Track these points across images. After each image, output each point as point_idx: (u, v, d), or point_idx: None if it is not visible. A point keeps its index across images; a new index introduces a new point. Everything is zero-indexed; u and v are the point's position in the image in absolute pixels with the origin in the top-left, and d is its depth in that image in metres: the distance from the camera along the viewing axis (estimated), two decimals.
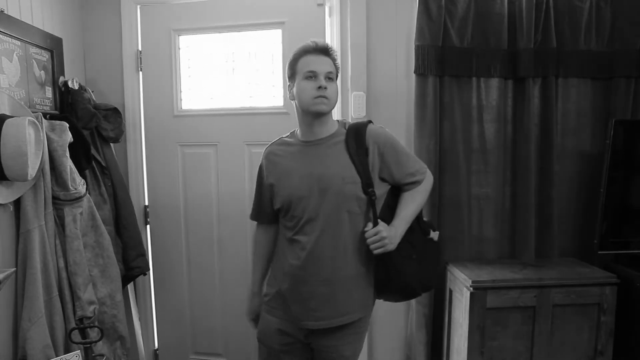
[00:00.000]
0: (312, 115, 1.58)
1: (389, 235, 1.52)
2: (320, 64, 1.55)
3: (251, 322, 1.81)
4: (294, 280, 1.61)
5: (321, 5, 2.44)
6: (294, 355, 1.71)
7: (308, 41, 1.60)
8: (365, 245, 1.55)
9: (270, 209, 1.71)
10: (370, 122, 1.67)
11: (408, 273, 1.60)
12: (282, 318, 1.67)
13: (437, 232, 1.71)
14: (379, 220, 1.55)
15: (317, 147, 1.61)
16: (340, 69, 1.65)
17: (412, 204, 1.62)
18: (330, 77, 1.57)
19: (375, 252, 1.53)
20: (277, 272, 1.70)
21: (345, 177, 1.55)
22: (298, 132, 1.68)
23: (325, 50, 1.58)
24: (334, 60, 1.60)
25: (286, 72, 1.65)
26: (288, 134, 1.73)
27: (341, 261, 1.58)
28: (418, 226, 1.66)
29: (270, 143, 1.73)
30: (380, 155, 1.59)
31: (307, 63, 1.56)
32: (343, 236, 1.57)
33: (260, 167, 1.72)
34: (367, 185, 1.55)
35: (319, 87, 1.53)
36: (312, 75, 1.55)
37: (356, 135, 1.60)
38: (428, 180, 1.70)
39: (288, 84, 1.65)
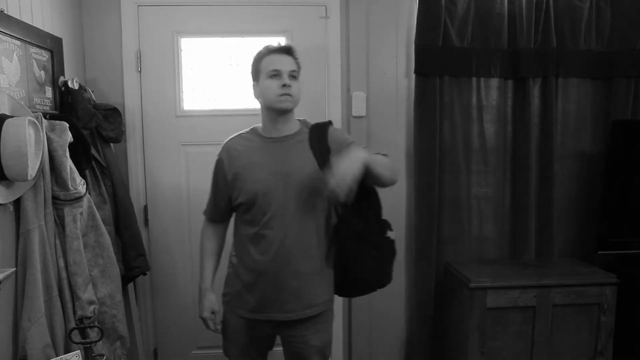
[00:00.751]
0: (277, 112, 1.63)
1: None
2: (283, 63, 1.61)
3: (207, 320, 1.77)
4: (261, 276, 1.64)
5: (323, 18, 2.46)
6: (262, 346, 1.79)
7: (272, 42, 1.67)
8: (328, 239, 1.66)
9: (226, 205, 1.73)
10: (330, 122, 1.73)
11: (366, 268, 1.67)
12: (247, 315, 1.70)
13: (394, 232, 1.75)
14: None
15: (282, 143, 1.66)
16: (301, 68, 1.69)
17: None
18: (294, 76, 1.63)
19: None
20: (238, 270, 1.71)
21: (311, 173, 1.59)
22: (259, 129, 1.72)
23: (288, 50, 1.65)
24: (296, 59, 1.66)
25: (250, 72, 1.69)
26: (247, 130, 1.75)
27: (308, 255, 1.63)
28: (377, 225, 1.70)
29: (227, 139, 1.75)
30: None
31: (270, 62, 1.62)
32: (309, 230, 1.63)
33: (219, 162, 1.72)
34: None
35: (283, 85, 1.59)
36: (276, 74, 1.60)
37: (319, 135, 1.65)
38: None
39: (252, 83, 1.69)
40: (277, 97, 1.60)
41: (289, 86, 1.60)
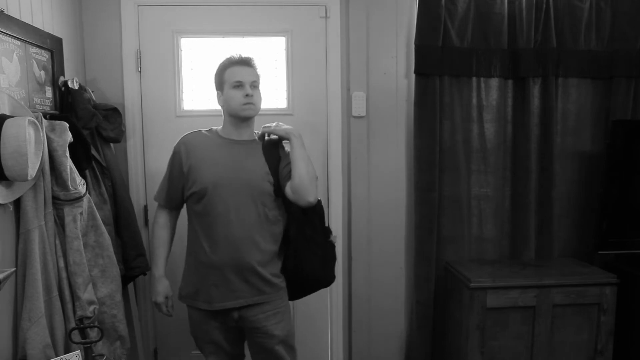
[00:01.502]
0: (241, 119, 1.78)
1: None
2: (245, 74, 1.75)
3: (161, 305, 1.88)
4: (212, 267, 1.75)
5: (323, 18, 2.47)
6: (234, 339, 1.87)
7: (234, 54, 1.80)
8: (275, 238, 1.80)
9: (180, 194, 1.83)
10: (280, 140, 1.86)
11: (314, 267, 1.85)
12: (206, 307, 1.78)
13: (336, 236, 2.01)
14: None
15: (242, 145, 1.80)
16: (260, 77, 1.83)
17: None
18: (255, 85, 1.77)
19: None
20: (192, 264, 1.82)
21: (264, 175, 1.76)
22: (219, 130, 1.84)
23: (248, 62, 1.78)
24: (256, 69, 1.80)
25: (214, 81, 1.83)
26: (206, 129, 1.87)
27: (256, 248, 1.75)
28: (321, 230, 1.89)
29: (185, 134, 1.86)
30: (287, 166, 1.79)
31: (233, 74, 1.76)
32: (256, 226, 1.75)
33: (177, 153, 1.81)
34: (278, 186, 1.77)
35: (246, 95, 1.73)
36: (238, 85, 1.74)
37: (272, 146, 1.83)
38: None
39: (217, 92, 1.82)
40: (241, 106, 1.74)
41: (252, 96, 1.74)
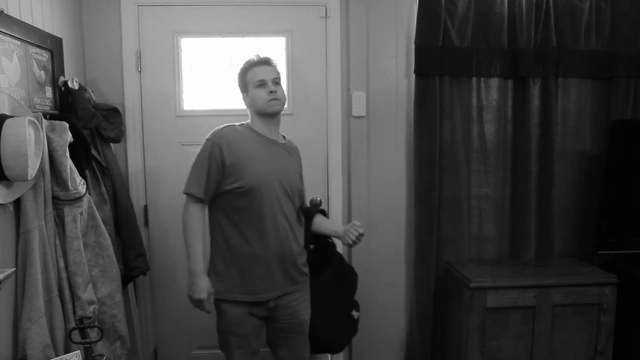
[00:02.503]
0: (269, 115, 1.86)
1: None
2: (266, 72, 1.85)
3: (204, 302, 1.81)
4: (258, 259, 1.81)
5: (323, 18, 2.47)
6: (259, 335, 1.93)
7: (252, 55, 1.89)
8: (301, 228, 1.94)
9: (215, 188, 1.82)
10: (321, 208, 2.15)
11: (325, 334, 2.03)
12: (247, 304, 1.83)
13: (359, 313, 2.13)
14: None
15: (277, 145, 1.91)
16: (281, 74, 1.93)
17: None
18: (277, 82, 1.87)
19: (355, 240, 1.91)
20: (229, 257, 1.84)
21: (297, 177, 1.93)
22: (251, 126, 1.90)
23: (267, 61, 1.88)
24: (275, 67, 1.89)
25: (238, 85, 1.92)
26: (238, 124, 1.91)
27: (293, 240, 1.87)
28: (346, 301, 2.10)
29: (221, 127, 1.88)
30: (301, 176, 2.00)
31: (255, 74, 1.85)
32: (294, 220, 1.89)
33: (216, 147, 1.80)
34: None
35: (270, 92, 1.82)
36: (262, 83, 1.83)
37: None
38: None
39: (242, 95, 1.92)
40: (267, 103, 1.83)
41: (275, 91, 1.83)
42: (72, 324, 1.73)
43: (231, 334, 1.87)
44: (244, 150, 1.81)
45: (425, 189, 2.46)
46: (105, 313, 1.90)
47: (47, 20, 1.98)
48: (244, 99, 1.91)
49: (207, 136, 1.85)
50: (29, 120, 1.51)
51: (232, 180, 1.79)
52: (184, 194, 1.85)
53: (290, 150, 1.96)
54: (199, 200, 1.83)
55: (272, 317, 1.90)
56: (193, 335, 2.60)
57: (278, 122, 1.92)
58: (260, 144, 1.86)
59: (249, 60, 1.89)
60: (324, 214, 2.14)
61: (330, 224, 2.09)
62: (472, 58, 2.44)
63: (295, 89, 2.50)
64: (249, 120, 1.91)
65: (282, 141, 1.95)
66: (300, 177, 1.99)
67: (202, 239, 1.85)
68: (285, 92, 2.49)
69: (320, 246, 2.09)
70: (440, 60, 2.41)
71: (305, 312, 1.95)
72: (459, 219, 2.53)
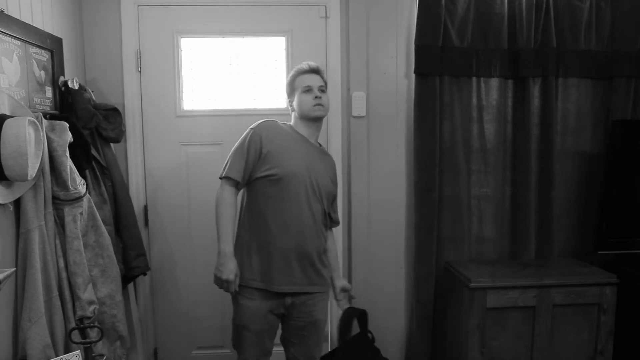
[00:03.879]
0: (312, 119, 1.96)
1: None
2: (313, 80, 1.96)
3: (231, 282, 1.85)
4: (278, 250, 1.86)
5: (323, 18, 2.47)
6: (273, 333, 1.97)
7: (303, 64, 1.99)
8: (325, 231, 2.00)
9: (250, 173, 1.90)
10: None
11: None
12: (264, 296, 1.88)
13: None
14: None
15: (314, 147, 2.00)
16: (327, 83, 2.06)
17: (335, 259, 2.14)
18: (322, 90, 1.96)
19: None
20: (254, 246, 1.89)
21: (329, 179, 1.99)
22: (293, 126, 2.00)
23: (316, 70, 1.99)
24: (323, 76, 2.00)
25: (286, 90, 2.03)
26: (281, 122, 2.01)
27: (316, 238, 1.92)
28: None
29: (263, 120, 1.97)
30: (333, 188, 2.05)
31: (303, 81, 1.95)
32: (320, 219, 1.94)
33: (257, 135, 1.90)
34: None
35: (315, 97, 1.92)
36: (308, 89, 1.93)
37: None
38: (333, 233, 2.15)
39: (288, 99, 2.02)
40: (311, 107, 1.93)
41: (320, 97, 1.93)
42: (72, 324, 1.73)
43: (246, 329, 1.91)
44: (281, 142, 1.91)
45: (425, 189, 2.46)
46: (105, 313, 1.90)
47: (47, 20, 1.98)
48: (289, 102, 2.01)
49: (251, 125, 1.95)
50: (29, 120, 1.51)
51: (266, 168, 1.88)
52: (221, 178, 1.92)
53: (324, 155, 2.05)
54: (235, 184, 1.91)
55: (288, 314, 1.94)
56: (193, 335, 2.60)
57: (319, 127, 2.01)
58: (298, 141, 1.95)
59: (299, 68, 1.99)
60: (363, 326, 2.27)
61: (336, 281, 2.10)
62: (472, 58, 2.44)
63: None
64: (291, 122, 2.01)
65: (319, 146, 2.05)
66: (333, 182, 2.04)
67: (234, 222, 1.92)
68: (285, 94, 2.51)
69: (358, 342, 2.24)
70: (440, 60, 2.41)
71: (320, 312, 1.98)
72: (459, 219, 2.53)
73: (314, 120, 1.96)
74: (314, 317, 1.96)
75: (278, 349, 2.06)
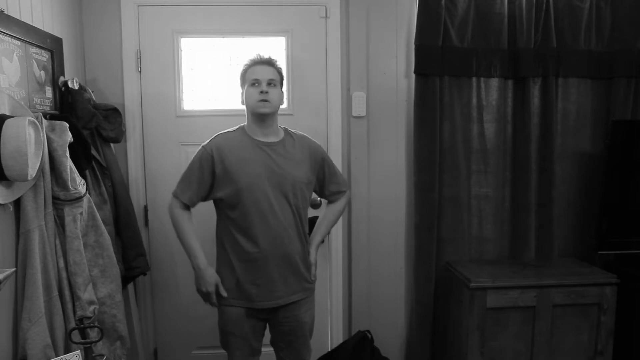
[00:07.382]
0: (258, 116, 1.83)
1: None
2: (263, 73, 1.83)
3: (211, 294, 1.85)
4: (254, 262, 1.81)
5: (323, 18, 2.47)
6: (260, 335, 1.95)
7: (255, 54, 1.89)
8: (304, 232, 1.90)
9: (205, 195, 1.87)
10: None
11: None
12: (246, 305, 1.85)
13: None
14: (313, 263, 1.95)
15: (272, 148, 1.86)
16: (284, 77, 1.94)
17: (326, 226, 2.02)
18: (272, 83, 1.83)
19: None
20: (229, 263, 1.85)
21: (296, 176, 1.85)
22: (246, 129, 1.89)
23: (268, 62, 1.87)
24: (277, 69, 1.88)
25: (239, 82, 1.92)
26: (234, 128, 1.92)
27: (287, 242, 1.83)
28: None
29: (216, 135, 1.90)
30: (321, 166, 1.95)
31: (252, 72, 1.84)
32: (283, 222, 1.82)
33: (209, 156, 1.83)
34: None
35: (261, 92, 1.79)
36: (255, 82, 1.82)
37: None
38: (346, 197, 2.06)
39: (240, 91, 1.91)
40: (256, 103, 1.81)
41: (266, 92, 1.80)
42: (72, 324, 1.73)
43: (231, 334, 1.90)
44: (236, 156, 1.83)
45: (425, 189, 2.46)
46: (105, 313, 1.90)
47: (47, 20, 1.98)
48: (241, 95, 1.91)
49: (203, 143, 1.88)
50: (29, 120, 1.51)
51: (222, 188, 1.83)
52: (172, 194, 1.91)
53: (291, 146, 1.89)
54: (186, 206, 1.89)
55: (274, 319, 1.92)
56: (193, 335, 2.60)
57: (272, 123, 1.87)
58: (253, 149, 1.84)
59: (252, 59, 1.88)
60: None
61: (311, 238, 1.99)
62: (472, 58, 2.44)
63: (295, 89, 2.50)
64: (245, 123, 1.92)
65: (279, 139, 1.89)
66: (312, 168, 1.91)
67: (196, 234, 1.90)
68: (285, 92, 2.50)
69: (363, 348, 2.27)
70: (440, 60, 2.41)
71: (306, 315, 1.94)
72: (459, 219, 2.53)
73: (262, 116, 1.83)
74: (299, 320, 1.92)
75: (269, 350, 2.06)
